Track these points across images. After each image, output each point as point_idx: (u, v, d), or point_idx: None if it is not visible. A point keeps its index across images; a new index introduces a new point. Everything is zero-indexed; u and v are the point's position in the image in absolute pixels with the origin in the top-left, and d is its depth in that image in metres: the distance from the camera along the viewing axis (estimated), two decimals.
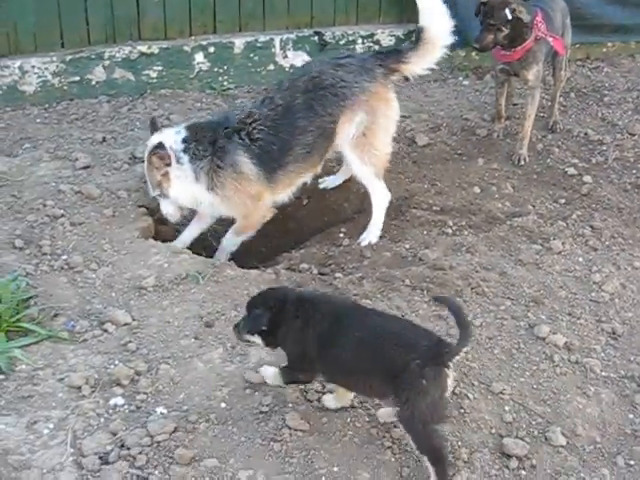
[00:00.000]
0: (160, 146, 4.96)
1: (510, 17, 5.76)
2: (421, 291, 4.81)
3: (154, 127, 5.23)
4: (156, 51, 6.88)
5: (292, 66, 7.29)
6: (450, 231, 5.46)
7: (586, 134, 6.72)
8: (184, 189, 5.09)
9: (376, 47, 7.43)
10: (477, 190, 5.88)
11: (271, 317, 3.65)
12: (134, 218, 5.36)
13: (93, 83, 6.80)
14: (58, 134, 6.29)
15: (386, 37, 7.45)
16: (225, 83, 7.12)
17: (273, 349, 3.88)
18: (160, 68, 6.92)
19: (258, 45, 7.16)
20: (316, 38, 7.31)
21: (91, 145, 6.15)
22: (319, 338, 3.59)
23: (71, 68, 6.71)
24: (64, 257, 4.96)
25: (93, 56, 6.77)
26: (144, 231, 5.29)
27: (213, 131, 5.08)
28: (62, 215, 5.31)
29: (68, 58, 6.71)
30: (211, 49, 7.02)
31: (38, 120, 6.53)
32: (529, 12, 5.81)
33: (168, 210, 5.24)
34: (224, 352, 4.29)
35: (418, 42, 5.15)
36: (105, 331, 4.38)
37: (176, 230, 5.63)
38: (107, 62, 6.78)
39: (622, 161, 6.38)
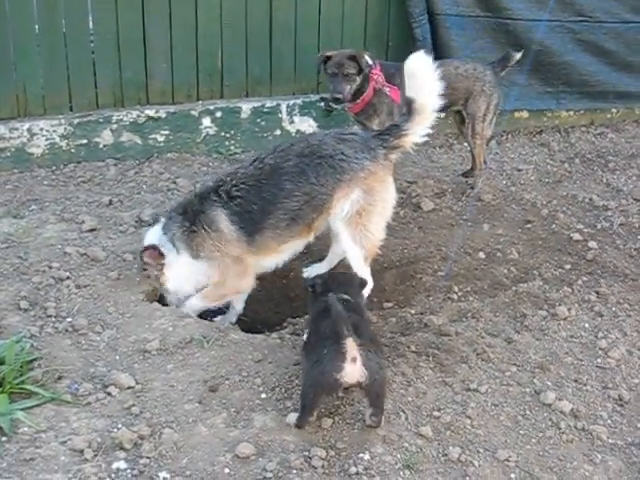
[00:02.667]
0: (147, 251, 5.08)
1: (371, 62, 6.04)
2: (427, 357, 4.78)
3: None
4: (163, 115, 6.97)
5: (298, 131, 7.38)
6: (455, 297, 5.45)
7: (591, 199, 6.77)
8: (179, 274, 5.14)
9: None
10: (482, 255, 5.87)
11: None
12: (139, 281, 5.35)
13: (101, 146, 6.86)
14: (65, 196, 6.33)
15: None
16: (232, 148, 7.19)
17: None
18: (167, 132, 6.99)
19: (265, 110, 7.24)
20: (322, 104, 7.37)
21: (97, 208, 6.17)
22: None
23: (79, 131, 6.79)
24: (69, 319, 4.95)
25: (101, 119, 6.85)
26: (149, 294, 5.28)
27: (189, 202, 5.12)
28: (67, 277, 5.31)
29: (76, 121, 6.79)
30: (218, 114, 7.11)
31: (45, 182, 6.58)
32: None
33: (172, 302, 5.27)
34: (228, 417, 4.24)
35: (410, 112, 5.06)
36: (109, 394, 4.34)
37: None
38: (115, 126, 6.86)
39: (627, 227, 6.40)
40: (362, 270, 5.19)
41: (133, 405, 4.26)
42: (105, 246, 5.67)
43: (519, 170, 7.17)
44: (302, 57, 7.32)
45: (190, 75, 7.07)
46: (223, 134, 7.18)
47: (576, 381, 4.70)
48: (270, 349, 4.79)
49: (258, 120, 7.25)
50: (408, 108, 5.09)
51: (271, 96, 7.35)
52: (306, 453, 3.97)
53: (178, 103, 7.08)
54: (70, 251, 5.56)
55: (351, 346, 3.91)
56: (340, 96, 6.20)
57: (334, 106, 6.31)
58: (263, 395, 4.42)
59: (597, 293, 5.50)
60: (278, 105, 7.30)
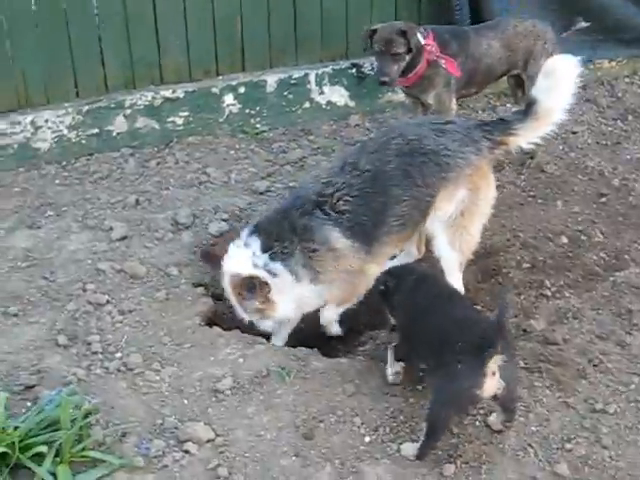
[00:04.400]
0: (250, 281, 4.26)
1: (423, 41, 5.36)
2: (539, 374, 4.17)
3: (209, 258, 4.62)
4: (181, 95, 6.17)
5: (329, 103, 6.63)
6: (549, 293, 4.85)
7: None
8: (290, 300, 4.40)
9: None
10: (565, 240, 5.24)
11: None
12: (191, 300, 4.67)
13: (114, 135, 6.07)
14: (83, 197, 5.56)
15: None
16: (258, 126, 6.43)
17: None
18: (187, 114, 6.20)
19: (292, 82, 6.47)
20: (354, 71, 6.61)
21: (123, 210, 5.42)
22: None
23: (89, 120, 5.98)
24: (118, 355, 4.27)
25: (112, 105, 6.04)
26: (205, 316, 4.60)
27: (286, 218, 4.35)
28: (107, 301, 4.61)
29: (85, 109, 5.97)
30: (241, 89, 6.33)
31: (57, 181, 5.78)
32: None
33: (267, 327, 4.55)
34: (333, 471, 3.64)
35: (528, 114, 4.43)
36: (187, 452, 3.70)
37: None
38: (128, 111, 6.06)
39: None
40: (455, 277, 4.59)
41: (219, 465, 3.65)
42: (142, 258, 4.94)
43: (574, 133, 6.51)
44: (329, 20, 6.54)
45: (208, 48, 6.25)
46: (248, 111, 6.41)
47: None
48: (360, 377, 4.17)
49: (285, 93, 6.49)
50: (527, 107, 4.45)
51: (297, 65, 6.53)
52: None
53: (196, 80, 6.28)
54: (103, 267, 4.84)
55: (495, 360, 3.48)
56: (387, 79, 5.47)
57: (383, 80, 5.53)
58: (367, 439, 3.82)
59: None
60: (306, 75, 6.53)
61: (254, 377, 4.11)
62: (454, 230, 4.50)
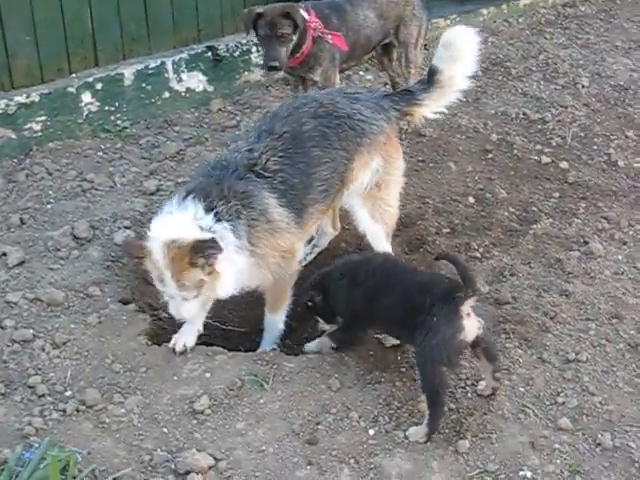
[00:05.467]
0: (201, 245, 3.70)
1: (307, 18, 5.22)
2: (506, 335, 4.22)
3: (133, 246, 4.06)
4: (37, 99, 5.59)
5: (188, 90, 6.28)
6: (478, 254, 4.90)
7: (525, 114, 6.42)
8: (233, 272, 3.89)
9: None
10: (472, 200, 5.32)
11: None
12: (127, 319, 4.27)
13: None
14: None
15: None
16: (119, 122, 5.98)
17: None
18: (44, 118, 5.63)
19: (149, 72, 6.05)
20: (210, 54, 6.31)
21: (9, 232, 4.87)
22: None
23: None
24: (69, 394, 3.84)
25: None
26: (149, 333, 4.21)
27: (222, 181, 3.93)
28: (34, 336, 4.11)
29: None
30: (98, 85, 5.83)
31: None
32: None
33: (191, 311, 3.92)
34: (352, 472, 3.50)
35: (431, 83, 4.38)
36: None
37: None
38: None
39: (577, 138, 6.10)
40: (384, 249, 4.50)
41: None
42: (54, 282, 4.46)
43: None
44: (179, 3, 6.19)
45: (58, 44, 5.68)
46: (107, 108, 5.92)
47: None
48: (337, 370, 4.01)
49: (143, 85, 6.07)
50: (430, 77, 4.38)
51: (151, 54, 6.12)
52: None
53: (49, 81, 5.70)
54: (14, 299, 4.34)
55: (467, 302, 3.56)
56: (276, 64, 5.21)
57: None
58: (371, 432, 3.69)
59: (606, 219, 5.19)
60: (163, 64, 6.14)
61: (229, 390, 3.84)
62: (372, 202, 4.40)
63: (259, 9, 5.19)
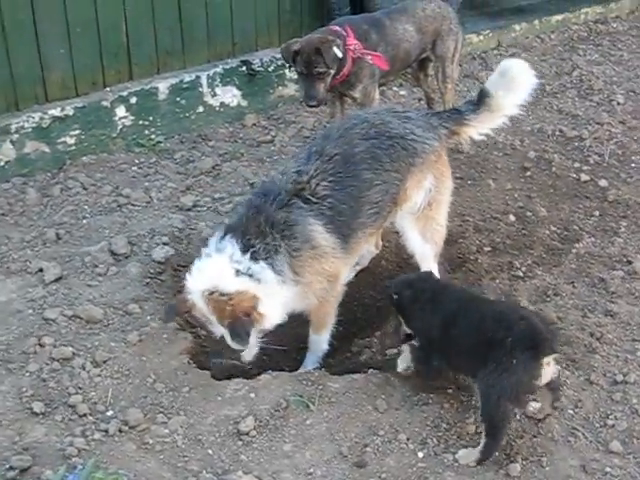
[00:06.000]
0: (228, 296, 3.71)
1: (341, 55, 5.14)
2: None
3: (172, 311, 4.02)
4: (71, 112, 5.56)
5: (222, 104, 6.23)
6: (521, 273, 4.81)
7: (561, 131, 6.34)
8: (278, 304, 3.87)
9: None
10: (513, 218, 5.24)
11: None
12: (169, 338, 4.20)
13: (2, 164, 5.35)
14: None
15: None
16: (153, 137, 5.94)
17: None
18: (78, 132, 5.60)
19: (184, 86, 6.02)
20: (244, 68, 6.27)
21: (45, 247, 4.82)
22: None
23: None
24: (110, 414, 3.76)
25: None
26: (191, 352, 4.14)
27: (261, 212, 3.87)
28: (74, 354, 4.04)
29: None
30: (132, 99, 5.80)
31: None
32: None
33: (252, 354, 4.01)
34: None
35: (480, 105, 4.32)
36: None
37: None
38: (15, 136, 5.36)
39: (614, 156, 6.03)
40: (432, 269, 4.43)
41: None
42: (92, 299, 4.40)
43: None
44: (214, 18, 6.19)
45: (93, 57, 5.66)
46: (141, 122, 5.89)
47: None
48: (384, 391, 3.93)
49: (178, 99, 6.03)
50: (480, 99, 4.34)
51: (186, 69, 6.09)
52: None
53: (83, 94, 5.67)
54: (52, 315, 4.27)
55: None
56: (315, 103, 5.22)
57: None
58: (420, 454, 3.60)
59: None
60: (198, 78, 6.11)
61: (274, 411, 3.76)
62: (424, 222, 4.35)
63: (296, 45, 5.12)
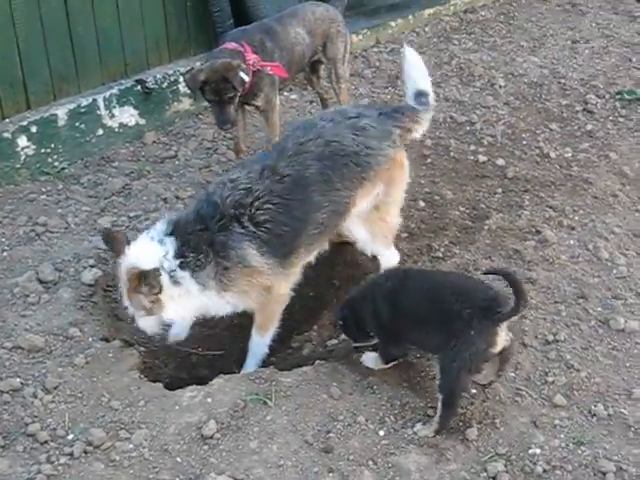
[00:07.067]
0: (147, 274, 3.92)
1: (247, 78, 5.31)
2: None
3: (116, 241, 4.09)
4: None
5: (121, 125, 6.24)
6: (440, 254, 5.06)
7: (451, 117, 6.63)
8: (185, 305, 4.11)
9: None
10: (422, 204, 5.49)
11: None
12: (114, 356, 4.22)
13: None
14: None
15: None
16: (56, 164, 5.90)
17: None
18: None
19: (82, 110, 5.99)
20: (139, 87, 6.30)
21: None
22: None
23: None
24: (71, 437, 3.77)
25: None
26: (139, 367, 4.19)
27: (204, 230, 4.05)
28: (23, 384, 4.02)
29: None
30: (33, 128, 5.74)
31: None
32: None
33: (148, 325, 4.20)
34: (374, 474, 3.59)
35: (427, 104, 4.57)
36: None
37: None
38: None
39: (506, 136, 6.36)
40: (387, 251, 4.69)
41: None
42: (29, 328, 4.37)
43: None
44: (104, 40, 6.15)
45: None
46: (43, 151, 5.84)
47: (616, 297, 4.60)
48: (334, 379, 4.07)
49: (77, 124, 6.00)
50: (425, 97, 4.58)
51: (81, 92, 6.08)
52: (484, 473, 3.55)
53: None
54: None
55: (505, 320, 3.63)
56: (229, 125, 5.36)
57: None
58: (381, 432, 3.77)
59: (551, 208, 5.44)
60: (94, 101, 6.09)
61: (233, 412, 3.85)
62: (371, 223, 4.52)
63: (202, 76, 5.15)
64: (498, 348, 3.66)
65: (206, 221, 4.06)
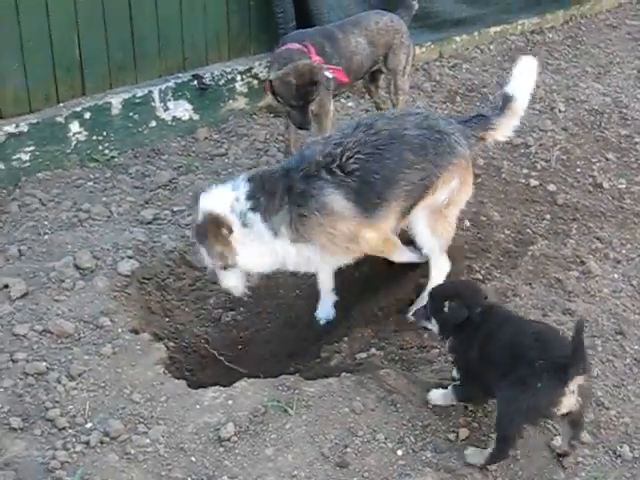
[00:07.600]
0: (214, 217, 4.06)
1: (331, 76, 5.34)
2: None
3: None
4: (25, 129, 5.52)
5: (174, 118, 6.26)
6: (480, 276, 4.95)
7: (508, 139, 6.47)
8: (257, 252, 4.19)
9: (255, 82, 6.59)
10: (468, 223, 5.39)
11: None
12: (142, 349, 4.23)
13: None
14: None
15: (263, 70, 6.61)
16: (107, 152, 5.93)
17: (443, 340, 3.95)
18: (32, 148, 5.57)
19: (137, 101, 6.03)
20: (195, 82, 6.31)
21: (8, 263, 4.77)
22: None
23: None
24: (89, 426, 3.76)
25: None
26: (165, 362, 4.18)
27: (286, 177, 4.16)
28: (48, 369, 4.03)
29: None
30: (86, 115, 5.79)
31: None
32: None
33: (231, 282, 4.34)
34: None
35: (504, 109, 4.56)
36: None
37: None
38: None
39: (560, 161, 6.22)
40: (440, 258, 4.67)
41: None
42: (62, 314, 4.39)
43: None
44: (165, 32, 6.16)
45: (46, 72, 5.63)
46: (95, 138, 5.88)
47: None
48: (358, 394, 4.02)
49: (130, 114, 6.03)
50: (504, 102, 4.57)
51: (137, 83, 6.11)
52: None
53: (36, 111, 5.64)
54: (22, 331, 4.26)
55: (576, 380, 3.39)
56: (309, 127, 5.37)
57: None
58: (399, 452, 3.72)
59: (598, 239, 5.30)
60: (150, 92, 6.12)
61: (253, 416, 3.83)
62: (437, 217, 4.51)
63: (292, 80, 5.12)
64: (563, 410, 3.46)
65: (289, 171, 4.17)
